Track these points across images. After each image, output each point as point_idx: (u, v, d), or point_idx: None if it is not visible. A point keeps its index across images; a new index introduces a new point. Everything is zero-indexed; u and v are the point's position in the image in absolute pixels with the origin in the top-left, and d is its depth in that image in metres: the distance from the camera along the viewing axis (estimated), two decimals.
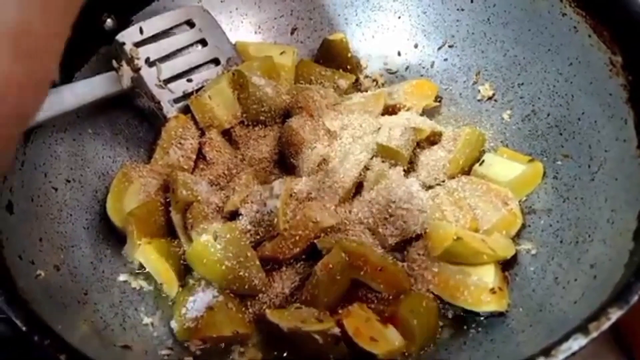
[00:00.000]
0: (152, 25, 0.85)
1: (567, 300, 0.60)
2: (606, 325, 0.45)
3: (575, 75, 0.76)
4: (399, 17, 0.95)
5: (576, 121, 0.75)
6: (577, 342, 0.45)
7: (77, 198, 0.76)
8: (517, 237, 0.73)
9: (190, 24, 0.89)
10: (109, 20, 0.83)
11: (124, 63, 0.81)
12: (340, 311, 0.66)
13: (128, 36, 0.83)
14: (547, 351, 0.46)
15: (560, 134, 0.77)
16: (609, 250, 0.60)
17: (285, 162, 0.82)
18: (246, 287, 0.67)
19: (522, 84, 0.83)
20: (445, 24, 0.91)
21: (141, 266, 0.73)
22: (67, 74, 0.78)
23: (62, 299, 0.64)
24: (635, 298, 0.46)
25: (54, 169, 0.75)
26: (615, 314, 0.46)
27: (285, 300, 0.68)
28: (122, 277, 0.72)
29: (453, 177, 0.78)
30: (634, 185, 0.62)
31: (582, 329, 0.46)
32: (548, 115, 0.79)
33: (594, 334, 0.45)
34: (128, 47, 0.82)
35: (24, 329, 0.52)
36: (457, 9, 0.90)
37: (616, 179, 0.66)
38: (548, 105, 0.79)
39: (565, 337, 0.45)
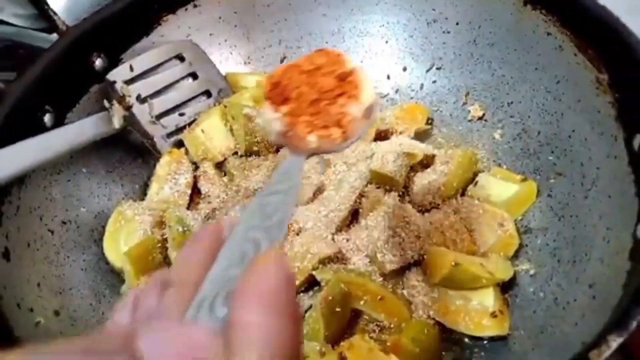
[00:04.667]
0: (142, 62, 0.86)
1: (568, 322, 0.60)
2: (607, 353, 0.45)
3: (563, 94, 0.77)
4: (387, 42, 0.96)
5: (567, 139, 0.75)
6: None
7: (73, 239, 0.76)
8: (515, 258, 0.73)
9: (180, 58, 0.90)
10: (99, 60, 0.83)
11: (115, 102, 0.81)
12: (342, 343, 0.65)
13: (118, 75, 0.83)
14: None
15: (552, 152, 0.77)
16: (606, 270, 0.60)
17: None
18: None
19: (512, 102, 0.84)
20: (432, 46, 0.92)
21: None
22: (59, 115, 0.78)
23: None
24: (634, 324, 0.46)
25: (50, 211, 0.75)
26: (615, 341, 0.46)
27: None
28: None
29: (448, 200, 0.78)
30: (628, 203, 0.62)
31: (584, 358, 0.46)
32: (539, 133, 0.80)
33: None
34: (119, 86, 0.83)
35: None
36: (443, 32, 0.91)
37: (609, 196, 0.66)
38: (538, 123, 0.80)
39: None
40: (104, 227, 0.79)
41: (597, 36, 0.72)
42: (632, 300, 0.49)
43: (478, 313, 0.65)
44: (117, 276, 0.75)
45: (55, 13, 0.88)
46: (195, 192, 0.84)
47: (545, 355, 0.58)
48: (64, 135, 0.74)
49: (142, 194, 0.85)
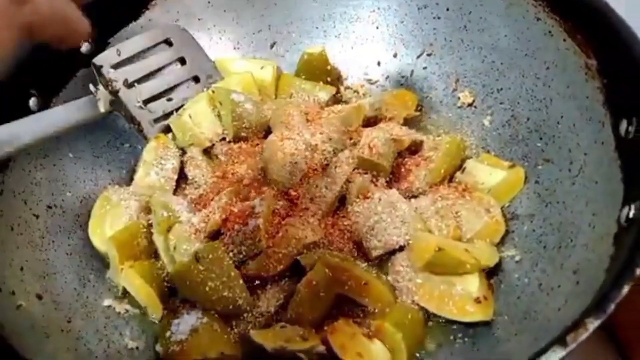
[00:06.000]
0: (130, 46, 0.85)
1: (551, 308, 0.60)
2: (584, 336, 0.45)
3: (552, 79, 0.76)
4: (377, 27, 0.95)
5: (555, 125, 0.75)
6: (554, 355, 0.45)
7: (59, 224, 0.75)
8: (501, 244, 0.73)
9: (168, 42, 0.89)
10: (86, 44, 0.83)
11: (101, 86, 0.80)
12: (325, 327, 0.65)
13: (105, 59, 0.82)
14: None
15: (541, 138, 0.77)
16: (590, 255, 0.60)
17: (267, 177, 0.82)
18: (231, 307, 0.67)
19: (501, 89, 0.84)
20: (422, 32, 0.91)
21: (125, 290, 0.72)
22: (45, 99, 0.78)
23: (45, 328, 0.63)
24: (612, 307, 0.46)
25: (34, 195, 0.74)
26: (592, 324, 0.45)
27: (271, 318, 0.68)
28: (106, 302, 0.72)
29: (435, 186, 0.77)
30: (613, 189, 0.62)
31: (561, 340, 0.45)
32: (528, 119, 0.79)
33: (572, 346, 0.45)
34: (105, 70, 0.82)
35: None
36: (434, 17, 0.90)
37: (596, 182, 0.66)
38: (527, 109, 0.79)
39: (544, 350, 0.45)
40: (89, 212, 0.78)
41: (586, 21, 0.71)
42: (611, 284, 0.49)
43: (462, 299, 0.65)
44: (102, 261, 0.75)
45: None
46: (182, 177, 0.84)
47: (527, 340, 0.58)
48: (47, 119, 0.73)
49: (130, 179, 0.85)
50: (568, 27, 0.73)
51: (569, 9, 0.73)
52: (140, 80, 0.85)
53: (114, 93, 0.82)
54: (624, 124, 0.63)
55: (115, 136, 0.87)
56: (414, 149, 0.83)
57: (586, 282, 0.57)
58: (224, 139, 0.86)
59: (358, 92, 0.95)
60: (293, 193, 0.76)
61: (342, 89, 0.95)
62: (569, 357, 0.46)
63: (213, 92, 0.86)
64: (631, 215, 0.56)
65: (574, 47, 0.72)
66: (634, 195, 0.58)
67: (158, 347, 0.67)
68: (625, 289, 0.47)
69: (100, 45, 0.84)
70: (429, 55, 0.92)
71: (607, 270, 0.55)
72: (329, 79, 0.93)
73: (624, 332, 0.77)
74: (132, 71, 0.84)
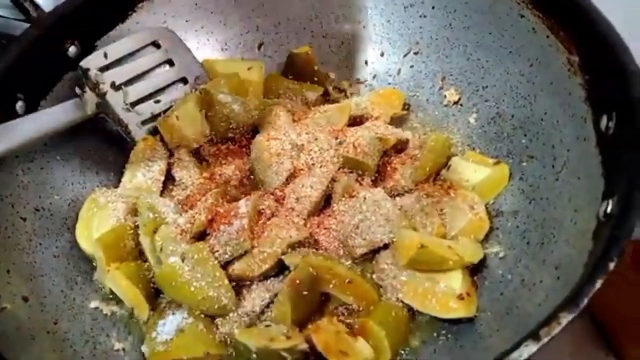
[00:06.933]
0: (117, 49, 0.85)
1: (533, 303, 0.60)
2: (556, 330, 0.45)
3: (536, 76, 0.77)
4: (364, 27, 0.95)
5: (539, 121, 0.75)
6: (527, 349, 0.45)
7: (46, 227, 0.76)
8: (485, 241, 0.73)
9: (156, 45, 0.89)
10: (72, 47, 0.83)
11: (87, 89, 0.81)
12: (309, 326, 0.65)
13: (92, 62, 0.83)
14: None
15: (525, 135, 0.77)
16: (571, 251, 0.61)
17: (254, 177, 0.82)
18: (216, 307, 0.67)
19: (487, 86, 0.84)
20: (409, 31, 0.92)
21: (112, 291, 0.73)
22: (32, 102, 0.78)
23: (30, 330, 0.64)
24: (586, 301, 0.46)
25: (22, 199, 0.75)
26: (565, 319, 0.46)
27: (256, 318, 0.68)
28: (93, 304, 0.72)
29: (420, 184, 0.78)
30: (594, 184, 0.62)
31: (534, 335, 0.46)
32: (512, 116, 0.80)
33: (545, 340, 0.45)
34: (92, 73, 0.82)
35: None
36: (420, 16, 0.90)
37: (578, 177, 0.66)
38: (512, 106, 0.80)
39: (517, 345, 0.45)
40: (77, 215, 0.79)
41: (569, 17, 0.71)
42: (586, 278, 0.49)
43: (445, 295, 0.66)
44: (89, 263, 0.76)
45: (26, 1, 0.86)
46: (170, 179, 0.84)
47: (508, 336, 0.58)
48: (33, 122, 0.73)
49: (118, 181, 0.85)
50: (551, 24, 0.74)
51: (551, 6, 0.74)
52: (127, 83, 0.85)
53: (102, 96, 0.82)
54: (604, 120, 0.63)
55: (103, 139, 0.87)
56: (400, 147, 0.83)
57: (566, 278, 0.58)
58: (211, 140, 0.87)
59: (346, 92, 0.95)
60: (279, 193, 0.77)
61: (329, 89, 0.95)
62: (558, 353, 0.47)
63: (201, 93, 0.86)
64: (609, 210, 0.56)
65: (557, 44, 0.73)
66: (613, 190, 0.58)
67: (144, 348, 0.68)
68: (599, 284, 0.47)
69: (87, 48, 0.84)
70: (415, 53, 0.92)
71: (585, 265, 0.55)
72: (316, 79, 0.93)
73: (612, 327, 0.78)
74: (120, 74, 0.85)
